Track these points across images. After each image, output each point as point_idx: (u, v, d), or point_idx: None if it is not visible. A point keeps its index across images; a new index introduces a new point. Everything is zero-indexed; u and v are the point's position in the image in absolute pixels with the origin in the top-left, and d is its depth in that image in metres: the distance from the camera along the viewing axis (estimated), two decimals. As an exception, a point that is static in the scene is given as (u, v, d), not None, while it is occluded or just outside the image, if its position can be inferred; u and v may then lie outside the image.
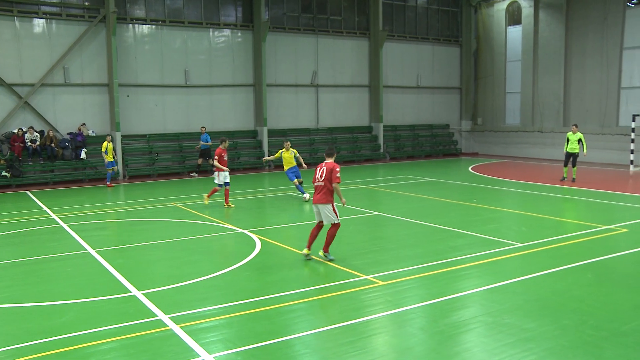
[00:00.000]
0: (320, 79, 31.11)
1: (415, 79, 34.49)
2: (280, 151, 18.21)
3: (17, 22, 24.04)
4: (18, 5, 23.96)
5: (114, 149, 23.24)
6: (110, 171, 22.76)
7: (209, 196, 17.32)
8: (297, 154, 18.24)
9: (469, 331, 7.28)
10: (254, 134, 29.24)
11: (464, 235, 12.65)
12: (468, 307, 8.23)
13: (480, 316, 7.78)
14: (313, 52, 30.77)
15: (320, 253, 10.53)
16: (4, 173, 22.25)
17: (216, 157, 16.61)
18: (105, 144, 22.42)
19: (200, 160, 26.31)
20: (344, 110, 32.22)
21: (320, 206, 10.38)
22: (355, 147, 31.90)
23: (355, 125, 32.52)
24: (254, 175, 26.05)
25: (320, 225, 10.61)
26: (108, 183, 22.73)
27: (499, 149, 34.24)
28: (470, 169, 26.94)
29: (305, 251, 10.58)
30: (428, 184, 21.74)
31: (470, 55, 35.67)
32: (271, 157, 19.78)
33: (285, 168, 18.15)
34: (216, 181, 16.99)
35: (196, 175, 26.10)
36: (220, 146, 16.83)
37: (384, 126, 32.85)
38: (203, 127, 26.30)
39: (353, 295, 8.78)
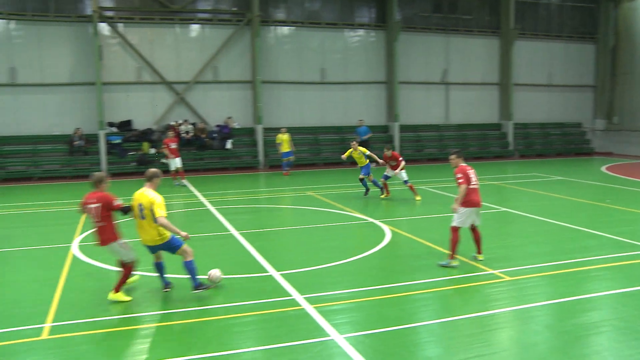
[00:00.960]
0: (450, 76, 31.62)
1: (546, 76, 33.92)
2: (349, 151, 17.87)
3: (177, 29, 27.10)
4: (179, 14, 26.97)
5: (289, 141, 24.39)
6: (285, 161, 24.36)
7: (416, 194, 17.24)
8: (367, 152, 17.72)
9: (599, 334, 7.06)
10: (385, 129, 30.38)
11: (596, 236, 12.27)
12: (598, 309, 7.99)
13: (611, 320, 7.50)
14: (443, 50, 31.34)
15: (479, 257, 10.30)
16: (163, 160, 24.93)
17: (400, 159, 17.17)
18: (279, 135, 24.33)
19: None
20: (474, 107, 32.48)
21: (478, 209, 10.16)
22: (484, 144, 32.10)
23: (484, 123, 32.69)
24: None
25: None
26: (284, 172, 24.32)
27: (637, 149, 32.81)
28: (603, 168, 26.15)
29: (480, 257, 10.29)
30: (558, 183, 21.39)
31: (607, 52, 34.40)
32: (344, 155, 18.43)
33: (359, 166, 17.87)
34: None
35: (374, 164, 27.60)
36: (386, 153, 17.30)
37: (514, 124, 32.71)
38: (361, 120, 27.87)
39: (478, 289, 8.92)
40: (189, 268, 8.52)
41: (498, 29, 32.28)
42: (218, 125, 27.62)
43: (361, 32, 29.90)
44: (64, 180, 24.27)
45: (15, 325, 7.71)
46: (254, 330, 7.53)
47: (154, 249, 8.65)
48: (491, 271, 9.66)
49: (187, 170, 25.45)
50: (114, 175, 24.77)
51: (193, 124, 27.17)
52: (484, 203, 13.56)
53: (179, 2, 26.94)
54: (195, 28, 27.44)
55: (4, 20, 25.01)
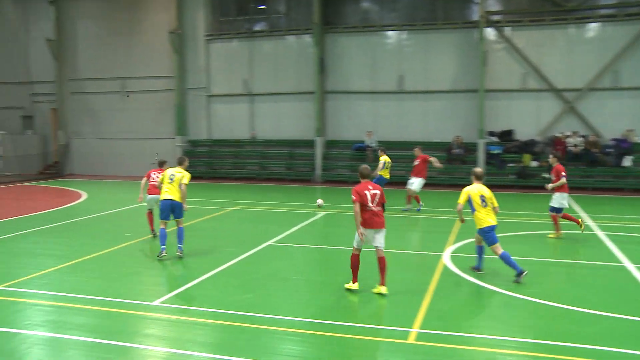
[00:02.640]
0: None
1: None
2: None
3: (571, 30, 24.54)
4: (574, 13, 24.40)
5: None
6: None
7: (557, 230, 13.70)
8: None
9: None
10: None
11: None
12: None
13: None
14: None
15: None
16: (544, 175, 22.60)
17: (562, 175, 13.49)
18: None
19: None
20: None
21: None
22: None
23: None
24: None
25: None
26: None
27: None
28: None
29: None
30: None
31: None
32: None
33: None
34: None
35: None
36: (551, 162, 14.02)
37: None
38: None
39: None
40: (508, 259, 9.82)
41: None
42: (614, 139, 23.79)
43: None
44: (439, 188, 23.85)
45: (385, 324, 8.24)
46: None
47: (488, 232, 9.99)
48: None
49: (573, 187, 22.65)
50: (491, 187, 23.45)
51: (583, 137, 24.04)
52: None
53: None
54: (593, 27, 24.34)
55: (397, 31, 26.58)
